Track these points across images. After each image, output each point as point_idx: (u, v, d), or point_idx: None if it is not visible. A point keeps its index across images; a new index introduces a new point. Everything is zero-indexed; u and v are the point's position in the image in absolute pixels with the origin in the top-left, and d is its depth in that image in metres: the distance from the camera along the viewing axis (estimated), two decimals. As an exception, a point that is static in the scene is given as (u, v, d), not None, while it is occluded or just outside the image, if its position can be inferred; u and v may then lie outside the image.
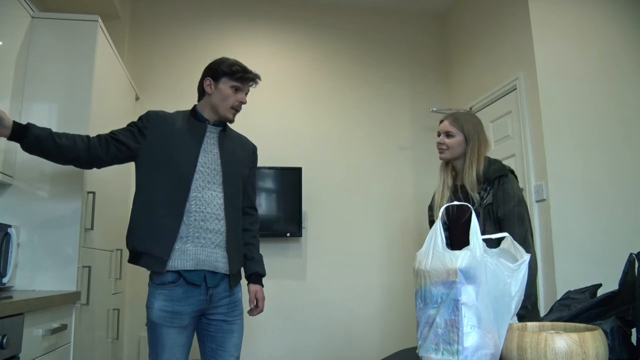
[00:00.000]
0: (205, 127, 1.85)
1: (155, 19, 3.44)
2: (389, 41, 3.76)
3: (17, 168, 2.02)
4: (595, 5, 2.81)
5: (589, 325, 0.95)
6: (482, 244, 1.00)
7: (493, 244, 1.75)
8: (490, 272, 0.98)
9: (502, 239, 1.22)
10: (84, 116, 2.14)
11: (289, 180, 3.30)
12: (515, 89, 2.82)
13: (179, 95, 3.36)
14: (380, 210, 3.52)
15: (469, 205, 1.23)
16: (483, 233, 1.69)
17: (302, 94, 3.56)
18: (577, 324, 0.98)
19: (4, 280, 1.82)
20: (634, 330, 1.04)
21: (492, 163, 1.90)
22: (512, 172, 1.88)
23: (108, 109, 2.52)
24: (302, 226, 3.28)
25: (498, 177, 1.84)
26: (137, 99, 3.26)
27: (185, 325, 1.71)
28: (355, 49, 3.70)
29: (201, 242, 1.72)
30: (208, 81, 1.83)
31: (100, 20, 2.26)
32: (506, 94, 2.95)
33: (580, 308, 1.11)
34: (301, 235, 3.29)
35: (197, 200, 1.73)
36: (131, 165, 3.19)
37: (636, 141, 2.68)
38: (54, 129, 2.10)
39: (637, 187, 2.64)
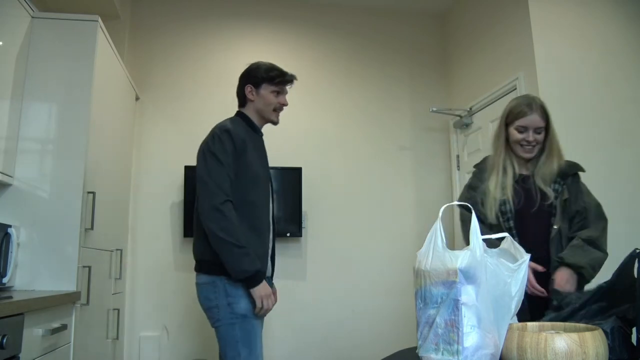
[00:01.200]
0: (262, 139, 1.97)
1: (155, 19, 3.44)
2: (389, 41, 3.76)
3: (17, 168, 2.02)
4: (595, 5, 2.81)
5: (589, 325, 0.95)
6: (482, 244, 1.00)
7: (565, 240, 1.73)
8: (490, 272, 0.98)
9: (502, 238, 1.22)
10: (84, 116, 2.14)
11: (289, 180, 3.30)
12: (515, 89, 2.81)
13: (179, 95, 3.37)
14: (380, 210, 3.52)
15: (469, 205, 1.22)
16: (558, 230, 1.70)
17: (302, 93, 3.56)
18: (577, 324, 0.98)
19: (4, 280, 1.82)
20: (634, 330, 1.04)
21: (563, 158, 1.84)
22: None
23: (108, 109, 2.52)
24: (302, 226, 3.28)
25: (574, 173, 1.80)
26: (137, 99, 3.26)
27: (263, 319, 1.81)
28: (355, 49, 3.70)
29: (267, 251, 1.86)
30: (249, 88, 1.90)
31: (100, 20, 2.26)
32: (506, 94, 2.94)
33: (577, 305, 1.11)
34: (301, 235, 3.29)
35: (270, 215, 1.87)
36: (130, 165, 3.21)
37: (636, 141, 2.68)
38: (54, 129, 2.12)
39: (637, 187, 2.64)
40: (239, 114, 1.95)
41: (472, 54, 3.39)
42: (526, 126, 1.76)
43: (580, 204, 1.74)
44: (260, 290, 1.69)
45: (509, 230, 1.74)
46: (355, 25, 3.72)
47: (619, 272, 1.10)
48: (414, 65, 3.76)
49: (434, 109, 3.45)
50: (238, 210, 1.73)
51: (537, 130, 1.76)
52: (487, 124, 3.15)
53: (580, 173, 1.83)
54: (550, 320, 1.11)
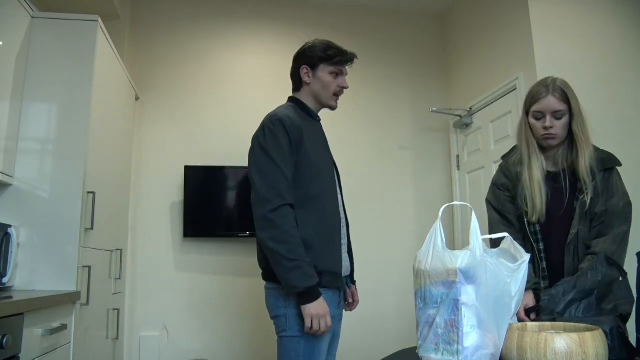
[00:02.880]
0: (320, 125, 1.78)
1: (155, 19, 3.44)
2: (389, 41, 3.76)
3: (17, 168, 2.02)
4: (595, 5, 2.81)
5: (589, 326, 0.95)
6: (482, 244, 1.00)
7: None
8: (490, 272, 0.98)
9: (502, 238, 1.22)
10: (84, 116, 2.14)
11: (289, 180, 3.29)
12: (515, 89, 2.82)
13: (179, 95, 3.37)
14: (380, 209, 3.52)
15: (469, 204, 1.21)
16: (576, 235, 1.53)
17: (302, 94, 3.56)
18: (577, 324, 0.98)
19: (4, 280, 1.82)
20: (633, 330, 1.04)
21: (601, 151, 1.61)
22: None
23: (108, 109, 2.52)
24: (302, 226, 3.28)
25: (607, 169, 1.55)
26: (137, 99, 3.26)
27: (334, 329, 1.63)
28: (355, 49, 3.62)
29: (343, 249, 1.69)
30: (305, 70, 1.71)
31: (100, 20, 2.26)
32: (506, 94, 2.94)
33: (563, 305, 1.12)
34: (301, 235, 3.28)
35: (340, 207, 1.73)
36: (130, 165, 3.20)
37: (636, 141, 2.68)
38: (54, 129, 2.12)
39: (637, 187, 2.63)
40: (292, 99, 1.78)
41: (472, 53, 3.39)
42: (542, 111, 1.56)
43: (602, 206, 1.51)
44: (311, 308, 1.47)
45: (533, 235, 1.61)
46: (355, 25, 3.72)
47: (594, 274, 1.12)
48: (414, 65, 3.76)
49: (434, 109, 3.45)
50: (303, 207, 1.55)
51: (555, 115, 1.55)
52: (487, 124, 3.15)
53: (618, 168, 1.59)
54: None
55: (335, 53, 1.70)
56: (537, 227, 1.61)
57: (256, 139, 1.60)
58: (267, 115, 1.64)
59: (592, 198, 1.53)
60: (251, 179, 1.56)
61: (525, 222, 1.62)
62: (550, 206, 1.60)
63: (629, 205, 1.55)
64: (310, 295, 1.48)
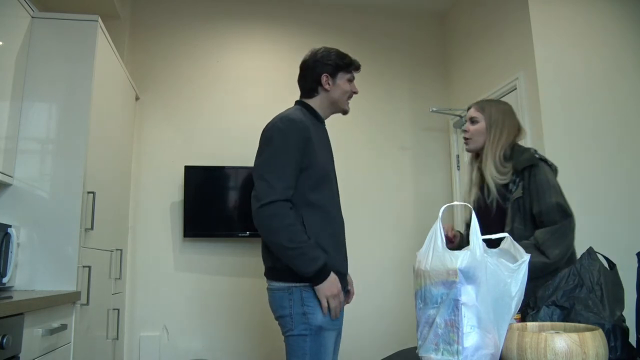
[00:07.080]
0: (325, 129, 1.85)
1: (155, 18, 3.44)
2: (389, 41, 3.76)
3: (17, 168, 2.02)
4: (595, 5, 2.81)
5: (589, 325, 0.95)
6: (482, 244, 1.00)
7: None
8: (490, 272, 0.98)
9: (503, 238, 1.21)
10: (84, 116, 2.14)
11: (289, 180, 3.29)
12: (515, 89, 2.82)
13: (179, 95, 3.37)
14: (380, 209, 3.52)
15: (468, 205, 1.22)
16: (511, 230, 1.59)
17: (302, 94, 3.56)
18: (577, 324, 0.98)
19: (4, 280, 1.82)
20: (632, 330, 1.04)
21: (523, 152, 1.69)
22: (545, 160, 1.68)
23: (108, 109, 2.52)
24: (302, 226, 3.28)
25: (528, 167, 1.63)
26: (137, 99, 3.26)
27: (339, 327, 1.68)
28: (356, 49, 3.65)
29: (344, 249, 1.76)
30: (326, 77, 1.76)
31: (100, 20, 2.26)
32: (506, 94, 2.94)
33: (550, 291, 1.13)
34: (301, 235, 3.28)
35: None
36: (130, 165, 3.20)
37: (636, 141, 2.68)
38: (54, 129, 2.13)
39: (637, 187, 2.64)
40: (300, 103, 1.80)
41: (472, 53, 3.39)
42: (465, 119, 1.80)
43: (536, 206, 1.59)
44: (324, 289, 1.52)
45: (468, 237, 1.69)
46: (355, 25, 3.72)
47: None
48: (414, 65, 3.76)
49: (434, 109, 3.45)
50: (314, 210, 1.60)
51: (471, 121, 1.76)
52: (487, 124, 3.15)
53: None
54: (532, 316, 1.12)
55: (350, 61, 1.79)
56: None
57: (264, 137, 1.64)
58: (278, 116, 1.69)
59: (523, 196, 1.61)
60: (254, 176, 1.61)
61: (464, 228, 1.76)
62: (483, 210, 1.69)
63: (558, 195, 1.59)
64: (319, 277, 1.53)
